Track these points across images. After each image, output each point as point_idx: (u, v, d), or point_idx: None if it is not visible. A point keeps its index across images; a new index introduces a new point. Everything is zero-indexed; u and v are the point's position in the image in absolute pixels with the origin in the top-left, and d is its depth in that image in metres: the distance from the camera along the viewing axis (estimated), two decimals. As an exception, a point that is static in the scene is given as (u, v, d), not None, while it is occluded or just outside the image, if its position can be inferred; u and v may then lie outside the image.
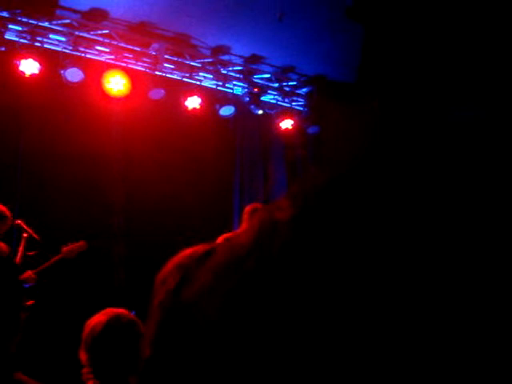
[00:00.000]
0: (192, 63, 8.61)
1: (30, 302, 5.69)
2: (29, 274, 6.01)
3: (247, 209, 6.49)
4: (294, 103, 9.81)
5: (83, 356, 2.83)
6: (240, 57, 8.82)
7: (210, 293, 0.68)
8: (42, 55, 7.38)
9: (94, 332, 2.82)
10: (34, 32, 7.45)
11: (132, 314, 3.00)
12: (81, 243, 6.40)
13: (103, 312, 2.92)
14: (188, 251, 1.25)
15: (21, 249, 5.94)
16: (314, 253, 0.60)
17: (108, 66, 7.93)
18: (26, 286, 6.01)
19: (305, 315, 0.59)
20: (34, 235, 5.96)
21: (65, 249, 6.27)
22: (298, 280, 0.61)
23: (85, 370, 2.83)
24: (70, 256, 6.28)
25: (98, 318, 2.87)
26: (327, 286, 0.59)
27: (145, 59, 8.27)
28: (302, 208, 0.64)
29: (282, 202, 0.66)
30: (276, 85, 9.45)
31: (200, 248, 1.22)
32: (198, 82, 8.85)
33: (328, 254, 0.60)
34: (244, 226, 6.42)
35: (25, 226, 5.95)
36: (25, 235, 5.95)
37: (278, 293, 0.61)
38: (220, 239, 6.20)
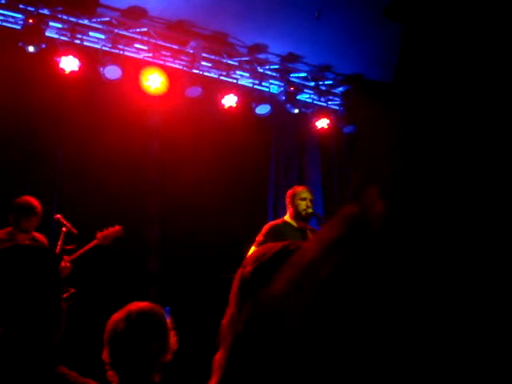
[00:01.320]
0: (229, 61, 8.64)
1: (71, 291, 5.73)
2: (62, 264, 5.97)
3: (289, 192, 6.57)
4: (330, 102, 9.78)
5: (105, 354, 2.82)
6: (277, 55, 8.83)
7: (297, 288, 0.67)
8: (82, 52, 7.48)
9: (110, 328, 2.81)
10: (73, 29, 7.55)
11: (162, 309, 2.96)
12: (116, 228, 6.29)
13: (125, 307, 2.89)
14: (267, 248, 1.26)
15: (59, 243, 6.01)
16: (408, 243, 0.60)
17: (146, 64, 7.99)
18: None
19: (401, 306, 0.59)
20: (73, 229, 6.03)
21: (99, 234, 6.17)
22: (394, 268, 0.60)
23: (107, 367, 2.85)
24: (105, 242, 6.17)
25: (117, 314, 2.86)
26: (421, 277, 0.59)
27: (182, 57, 8.32)
28: (393, 201, 0.65)
29: (365, 198, 0.67)
30: (312, 84, 9.43)
31: (278, 245, 1.22)
32: (235, 81, 8.88)
33: (420, 243, 0.61)
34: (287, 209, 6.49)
35: (63, 221, 6.03)
36: (63, 229, 6.03)
37: (374, 281, 0.61)
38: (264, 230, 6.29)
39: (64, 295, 5.18)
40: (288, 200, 6.51)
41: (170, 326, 2.93)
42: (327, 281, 0.63)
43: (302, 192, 6.49)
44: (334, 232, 0.67)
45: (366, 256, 0.62)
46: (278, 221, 6.57)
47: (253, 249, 6.22)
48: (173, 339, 2.91)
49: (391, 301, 0.59)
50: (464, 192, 0.67)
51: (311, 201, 6.49)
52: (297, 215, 6.40)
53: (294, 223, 6.40)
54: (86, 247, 6.08)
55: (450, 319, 0.58)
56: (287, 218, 6.49)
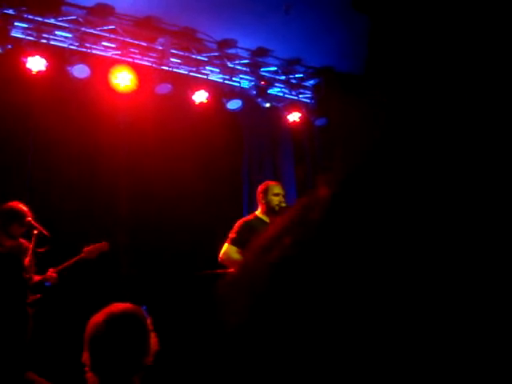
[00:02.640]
0: (198, 57, 8.60)
1: (36, 297, 5.71)
2: (50, 272, 6.07)
3: (260, 187, 6.58)
4: (301, 95, 9.79)
5: (85, 355, 2.79)
6: (246, 50, 8.81)
7: (256, 267, 0.68)
8: (49, 52, 7.40)
9: (90, 330, 2.78)
10: (39, 29, 7.46)
11: (139, 309, 2.94)
12: (102, 244, 6.43)
13: (104, 309, 2.85)
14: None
15: (31, 246, 5.97)
16: (348, 223, 0.62)
17: (114, 62, 7.93)
18: (48, 284, 6.06)
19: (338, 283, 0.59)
20: (45, 232, 5.98)
21: (86, 249, 6.29)
22: (332, 245, 0.61)
23: (86, 369, 2.80)
24: (91, 256, 6.30)
25: (97, 316, 2.82)
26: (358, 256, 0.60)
27: (151, 54, 8.27)
28: (339, 187, 0.66)
29: (320, 185, 0.69)
30: (283, 77, 9.44)
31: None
32: (205, 76, 8.85)
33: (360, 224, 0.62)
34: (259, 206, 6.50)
35: (35, 223, 5.97)
36: (35, 232, 5.98)
37: (314, 270, 0.61)
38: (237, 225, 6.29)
39: (29, 300, 5.14)
40: (260, 196, 6.51)
41: (150, 326, 2.91)
42: (274, 265, 0.64)
43: (275, 187, 6.50)
44: (287, 216, 0.68)
45: (313, 236, 0.63)
46: (250, 216, 6.57)
47: (226, 246, 6.22)
48: (153, 340, 2.89)
49: (331, 284, 0.59)
50: (427, 179, 0.66)
51: (284, 196, 6.51)
52: (270, 210, 6.40)
53: (265, 218, 6.40)
54: (72, 260, 6.18)
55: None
56: (259, 213, 6.49)
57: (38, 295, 5.70)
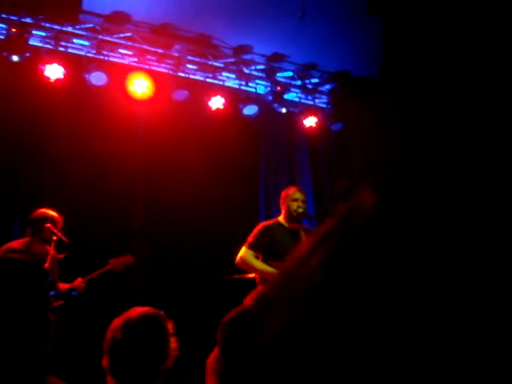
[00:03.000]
0: (214, 63, 8.63)
1: (59, 303, 5.78)
2: (78, 282, 6.18)
3: (282, 193, 6.60)
4: (317, 100, 9.78)
5: (105, 361, 2.80)
6: (262, 55, 8.82)
7: (300, 273, 0.68)
8: (67, 60, 7.46)
9: (110, 336, 2.79)
10: (57, 37, 7.53)
11: (161, 313, 2.94)
12: (128, 257, 6.50)
13: (125, 313, 2.87)
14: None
15: (51, 252, 6.02)
16: (397, 234, 0.62)
17: (131, 69, 7.98)
18: (75, 293, 6.15)
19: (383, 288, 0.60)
20: (64, 238, 6.02)
21: (112, 261, 6.37)
22: (383, 259, 0.62)
23: (107, 374, 2.81)
24: (118, 268, 6.39)
25: (117, 322, 2.83)
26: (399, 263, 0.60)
27: (167, 61, 8.31)
28: (381, 198, 0.67)
29: (357, 193, 0.70)
30: (299, 82, 9.43)
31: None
32: (221, 82, 8.87)
33: (409, 236, 0.62)
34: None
35: (54, 230, 6.02)
36: (54, 238, 6.02)
37: (362, 274, 0.62)
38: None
39: (51, 307, 5.21)
40: (281, 201, 6.56)
41: (170, 331, 2.91)
42: (315, 272, 0.64)
43: (294, 193, 6.52)
44: (326, 226, 0.68)
45: (355, 246, 0.63)
46: (271, 221, 6.59)
47: (243, 249, 6.23)
48: (173, 345, 2.89)
49: (380, 294, 0.59)
50: (457, 185, 0.67)
51: (303, 201, 6.51)
52: (289, 216, 6.44)
53: (286, 224, 6.42)
54: (100, 271, 6.29)
55: (441, 315, 0.58)
56: (281, 218, 6.52)
57: (61, 301, 5.77)
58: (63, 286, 6.12)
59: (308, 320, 0.62)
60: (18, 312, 1.88)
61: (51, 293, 5.79)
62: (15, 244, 6.01)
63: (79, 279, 6.19)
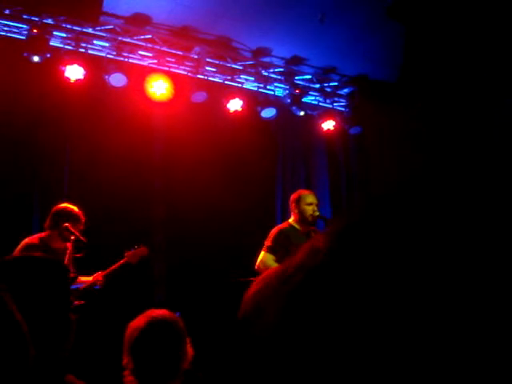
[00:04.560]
0: (233, 66, 8.66)
1: (80, 303, 5.81)
2: (98, 276, 6.20)
3: (293, 196, 6.56)
4: (335, 104, 9.78)
5: (125, 359, 2.84)
6: (281, 58, 8.84)
7: (268, 303, 0.77)
8: (87, 61, 7.51)
9: (133, 335, 2.82)
10: (78, 38, 7.59)
11: (176, 315, 2.98)
12: (142, 249, 6.47)
13: (144, 314, 2.90)
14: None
15: (69, 251, 6.05)
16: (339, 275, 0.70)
17: (151, 71, 8.02)
18: (97, 287, 6.19)
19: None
20: (81, 238, 6.05)
21: (128, 253, 6.36)
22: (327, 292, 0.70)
23: (126, 373, 2.84)
24: (132, 261, 6.37)
25: (138, 321, 2.86)
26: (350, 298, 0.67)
27: (187, 63, 8.35)
28: (333, 243, 0.72)
29: (323, 235, 0.77)
30: (317, 86, 9.44)
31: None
32: (240, 85, 8.89)
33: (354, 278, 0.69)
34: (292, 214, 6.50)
35: (72, 229, 6.04)
36: (72, 238, 6.05)
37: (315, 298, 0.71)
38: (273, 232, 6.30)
39: (73, 305, 5.24)
40: (293, 205, 6.46)
41: (186, 332, 2.95)
42: (284, 301, 0.71)
43: (308, 197, 6.44)
44: (293, 260, 0.80)
45: (309, 281, 0.74)
46: (285, 224, 6.53)
47: (262, 254, 6.21)
48: (189, 346, 2.93)
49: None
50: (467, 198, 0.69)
51: (317, 205, 6.46)
52: (302, 220, 6.37)
53: (298, 227, 6.38)
54: (117, 264, 6.28)
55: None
56: (292, 221, 6.45)
57: (82, 301, 5.80)
58: (85, 280, 6.16)
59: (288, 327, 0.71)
60: (40, 310, 1.90)
61: (73, 286, 5.84)
62: (34, 239, 6.02)
63: (99, 273, 6.19)
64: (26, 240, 5.99)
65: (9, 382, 1.22)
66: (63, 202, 6.26)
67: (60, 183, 7.62)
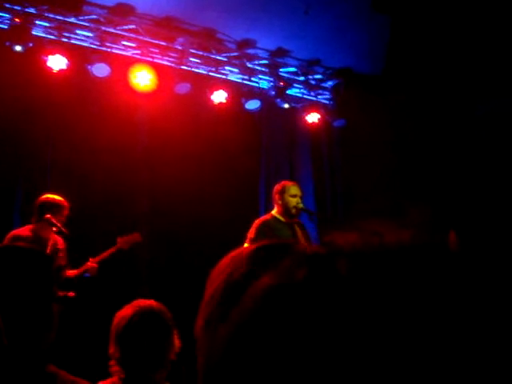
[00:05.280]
0: (218, 57, 8.62)
1: (67, 293, 5.79)
2: (90, 263, 6.20)
3: (277, 188, 6.52)
4: (319, 96, 9.78)
5: (111, 348, 2.83)
6: (266, 50, 8.81)
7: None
8: (70, 51, 7.45)
9: (120, 324, 2.81)
10: (61, 28, 7.52)
11: (163, 306, 2.96)
12: (134, 235, 6.52)
13: (132, 304, 2.89)
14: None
15: (50, 243, 6.02)
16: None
17: (134, 61, 7.97)
18: (87, 275, 6.17)
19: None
20: (63, 229, 6.02)
21: (120, 240, 6.39)
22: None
23: (112, 363, 2.83)
24: (124, 247, 6.40)
25: (126, 310, 2.86)
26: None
27: (171, 54, 8.30)
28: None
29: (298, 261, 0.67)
30: (302, 78, 9.43)
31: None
32: (224, 76, 8.86)
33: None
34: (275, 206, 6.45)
35: (54, 221, 6.01)
36: (54, 229, 6.02)
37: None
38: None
39: (57, 296, 5.22)
40: (276, 196, 6.42)
41: (173, 323, 2.94)
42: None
43: (292, 188, 6.40)
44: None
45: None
46: (267, 216, 6.51)
47: (246, 246, 6.19)
48: (176, 337, 2.92)
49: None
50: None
51: (301, 197, 6.44)
52: (286, 211, 6.34)
53: (282, 218, 6.35)
54: (109, 251, 6.32)
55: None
56: (275, 212, 6.43)
57: (69, 293, 5.78)
58: (72, 273, 6.14)
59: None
60: (22, 300, 1.88)
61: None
62: (22, 231, 6.01)
63: (91, 259, 6.20)
64: (14, 232, 5.97)
65: None
66: (45, 194, 6.24)
67: (43, 174, 7.54)
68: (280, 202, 6.37)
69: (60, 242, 6.11)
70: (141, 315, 2.82)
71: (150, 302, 2.92)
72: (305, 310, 0.59)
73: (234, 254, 0.81)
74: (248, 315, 0.63)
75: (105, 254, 6.28)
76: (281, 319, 0.60)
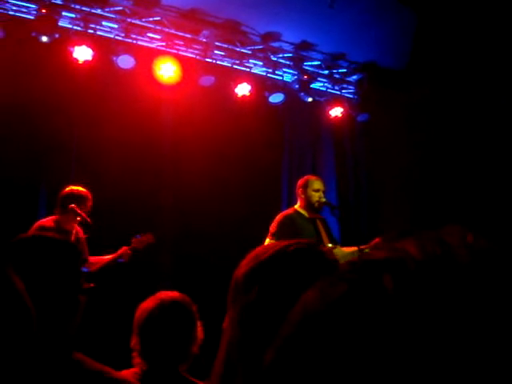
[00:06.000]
0: (242, 50, 8.62)
1: (89, 285, 5.82)
2: (124, 249, 6.31)
3: (300, 182, 6.53)
4: (343, 91, 9.74)
5: (133, 340, 2.83)
6: (290, 44, 8.79)
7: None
8: (95, 42, 7.48)
9: (142, 316, 2.81)
10: (86, 19, 7.55)
11: (187, 298, 2.95)
12: (148, 235, 6.52)
13: (155, 296, 2.89)
14: (265, 249, 1.25)
15: (80, 233, 6.10)
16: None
17: (159, 53, 7.99)
18: (121, 260, 6.23)
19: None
20: (87, 219, 6.06)
21: (134, 240, 6.42)
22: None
23: (135, 354, 2.83)
24: (139, 247, 6.42)
25: (148, 302, 2.86)
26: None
27: (195, 46, 8.31)
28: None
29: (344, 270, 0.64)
30: (326, 72, 9.40)
31: (276, 247, 1.21)
32: (248, 69, 8.86)
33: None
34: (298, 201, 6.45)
35: (78, 210, 6.05)
36: (78, 219, 6.07)
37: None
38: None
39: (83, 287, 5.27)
40: (300, 190, 6.44)
41: (196, 315, 2.93)
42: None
43: (315, 182, 6.41)
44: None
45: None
46: (290, 210, 6.51)
47: (268, 241, 6.18)
48: (199, 329, 2.92)
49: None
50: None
51: (324, 192, 6.44)
52: (309, 206, 6.35)
53: (305, 213, 6.36)
54: (125, 248, 6.37)
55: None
56: (298, 207, 6.44)
57: (91, 284, 5.82)
58: (107, 258, 6.21)
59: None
60: (49, 290, 1.90)
61: (84, 269, 5.88)
62: (46, 221, 6.07)
63: (124, 247, 6.30)
64: (39, 222, 6.03)
65: (12, 359, 1.21)
66: (69, 186, 6.29)
67: (67, 168, 7.57)
68: (303, 196, 6.38)
69: (81, 234, 6.16)
70: (162, 307, 2.81)
71: (173, 294, 2.91)
72: (345, 331, 0.57)
73: (260, 250, 0.79)
74: (292, 331, 0.63)
75: (119, 252, 6.33)
76: (317, 340, 0.59)
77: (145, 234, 6.50)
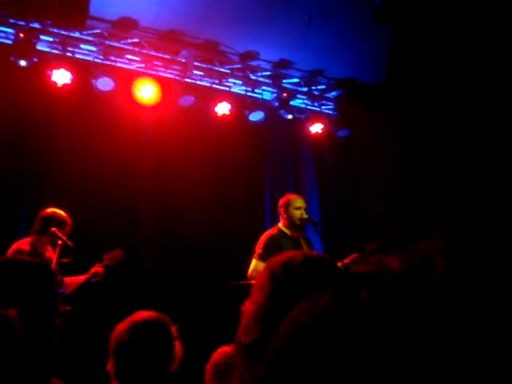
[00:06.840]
0: (221, 69, 8.65)
1: (66, 308, 5.76)
2: (97, 266, 6.17)
3: (282, 201, 6.56)
4: (323, 107, 9.80)
5: (110, 365, 2.80)
6: (268, 62, 8.84)
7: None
8: (74, 65, 7.48)
9: (114, 340, 2.80)
10: (65, 42, 7.56)
11: (165, 317, 2.93)
12: (117, 252, 6.41)
13: (128, 318, 2.87)
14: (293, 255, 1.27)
15: (55, 256, 6.02)
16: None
17: (138, 75, 8.00)
18: (93, 280, 6.15)
19: None
20: (69, 242, 6.02)
21: (106, 257, 6.32)
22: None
23: (111, 378, 2.81)
24: (110, 264, 6.32)
25: (123, 325, 2.84)
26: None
27: (174, 67, 8.33)
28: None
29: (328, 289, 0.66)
30: (305, 89, 9.45)
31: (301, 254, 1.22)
32: (228, 88, 8.89)
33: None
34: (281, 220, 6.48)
35: (59, 234, 6.02)
36: (59, 242, 6.03)
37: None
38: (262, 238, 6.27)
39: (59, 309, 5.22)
40: (282, 209, 6.50)
41: (175, 334, 2.91)
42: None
43: (296, 201, 6.48)
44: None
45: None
46: (274, 230, 6.55)
47: (254, 262, 6.19)
48: (178, 348, 2.90)
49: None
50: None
51: (305, 209, 6.49)
52: (291, 224, 6.41)
53: (288, 232, 6.42)
54: (103, 264, 6.25)
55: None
56: (281, 226, 6.49)
57: (68, 307, 5.75)
58: (81, 278, 6.13)
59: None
60: (26, 313, 1.89)
61: (60, 291, 5.80)
62: (25, 244, 5.99)
63: (97, 264, 6.18)
64: (17, 244, 5.97)
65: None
66: (50, 207, 6.25)
67: (47, 189, 7.55)
68: (285, 215, 6.44)
69: (54, 256, 6.10)
70: (134, 329, 2.78)
71: (148, 315, 2.89)
72: (324, 341, 0.60)
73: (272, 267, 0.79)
74: (281, 343, 0.65)
75: (92, 271, 6.20)
76: (304, 349, 0.61)
77: (114, 250, 6.39)
